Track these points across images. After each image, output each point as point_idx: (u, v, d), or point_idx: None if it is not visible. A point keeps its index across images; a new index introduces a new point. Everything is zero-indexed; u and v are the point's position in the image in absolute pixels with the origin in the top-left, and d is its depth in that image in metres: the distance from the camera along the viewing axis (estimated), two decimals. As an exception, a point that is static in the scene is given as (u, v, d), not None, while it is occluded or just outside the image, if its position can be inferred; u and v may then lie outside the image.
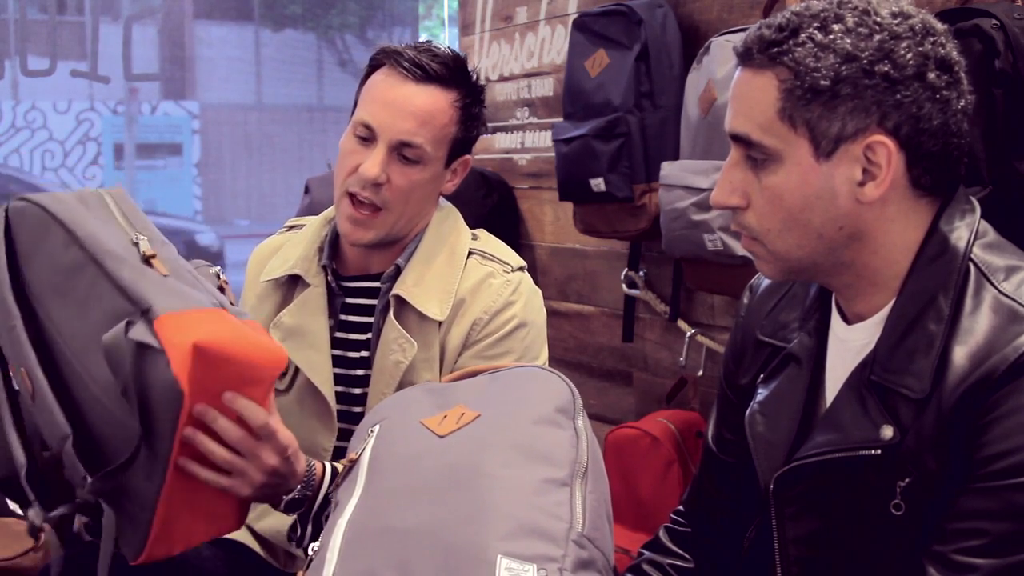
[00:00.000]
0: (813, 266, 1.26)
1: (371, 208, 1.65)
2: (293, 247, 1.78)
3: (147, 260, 1.34)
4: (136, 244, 1.37)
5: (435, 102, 1.64)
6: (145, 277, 1.29)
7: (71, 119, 5.40)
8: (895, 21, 1.19)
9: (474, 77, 1.69)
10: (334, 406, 1.69)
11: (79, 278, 1.32)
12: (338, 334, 1.73)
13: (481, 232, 1.80)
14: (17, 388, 1.42)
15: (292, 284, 1.76)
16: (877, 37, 1.17)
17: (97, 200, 1.44)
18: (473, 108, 1.69)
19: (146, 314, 1.24)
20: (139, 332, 1.23)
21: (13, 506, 2.13)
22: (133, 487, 1.27)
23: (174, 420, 1.24)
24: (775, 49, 1.20)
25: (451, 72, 1.66)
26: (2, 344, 1.41)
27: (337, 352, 1.72)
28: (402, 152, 1.64)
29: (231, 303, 1.37)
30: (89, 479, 1.27)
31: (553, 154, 2.86)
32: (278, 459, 1.34)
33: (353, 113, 1.70)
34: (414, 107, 1.63)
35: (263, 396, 1.31)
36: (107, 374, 1.26)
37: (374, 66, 1.69)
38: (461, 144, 1.70)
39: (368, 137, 1.64)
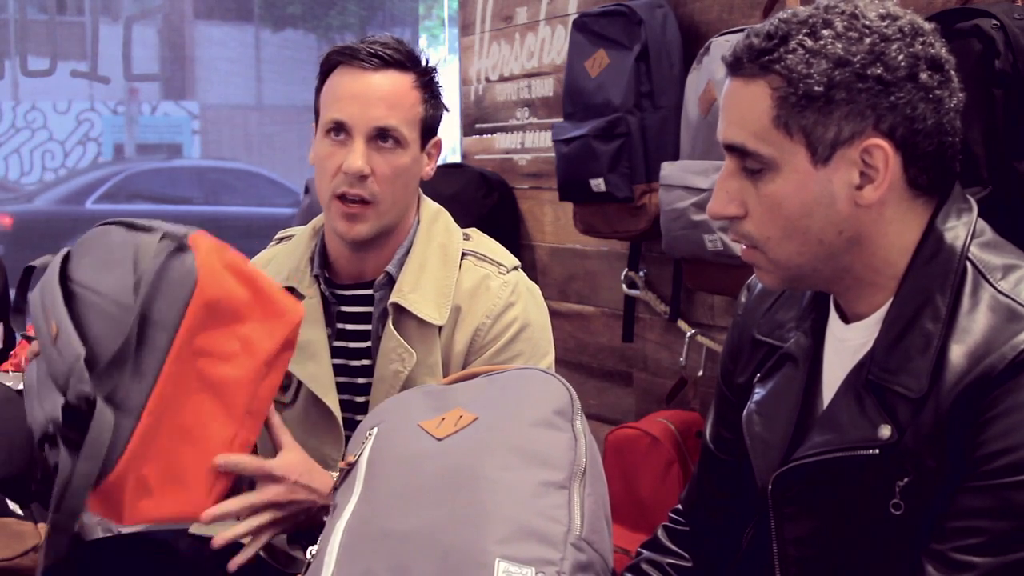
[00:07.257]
0: (814, 272, 1.26)
1: (361, 203, 1.66)
2: (284, 259, 1.78)
3: None
4: None
5: (398, 85, 1.67)
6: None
7: (71, 119, 5.40)
8: (884, 23, 1.18)
9: (423, 59, 1.72)
10: (339, 416, 1.69)
11: (122, 247, 1.39)
12: (337, 343, 1.73)
13: (473, 231, 1.80)
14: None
15: None
16: (867, 40, 1.17)
17: None
18: (432, 87, 1.72)
19: (181, 239, 1.34)
20: (174, 242, 1.33)
21: (13, 506, 2.12)
22: (123, 392, 1.30)
23: (181, 310, 1.29)
24: (766, 57, 1.19)
25: (403, 55, 1.69)
26: (40, 306, 1.49)
27: (338, 361, 1.72)
28: (380, 139, 1.65)
29: None
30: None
31: (553, 154, 2.86)
32: (292, 487, 1.48)
33: (317, 121, 1.71)
34: (381, 92, 1.65)
35: (279, 344, 1.39)
36: (118, 285, 1.33)
37: (328, 69, 1.71)
38: (430, 124, 1.73)
39: (343, 134, 1.65)
